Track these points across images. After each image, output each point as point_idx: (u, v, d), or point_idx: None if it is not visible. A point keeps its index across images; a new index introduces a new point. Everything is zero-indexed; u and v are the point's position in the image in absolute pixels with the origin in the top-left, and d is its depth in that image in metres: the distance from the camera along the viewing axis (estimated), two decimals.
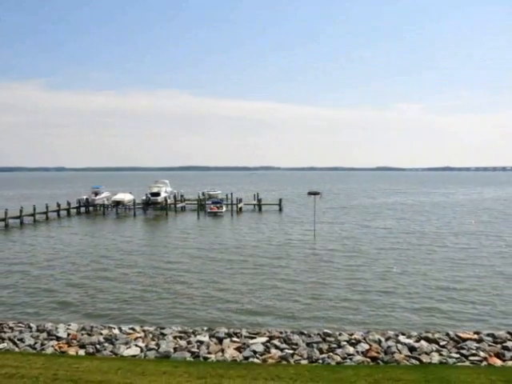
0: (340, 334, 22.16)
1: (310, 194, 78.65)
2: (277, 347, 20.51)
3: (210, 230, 69.58)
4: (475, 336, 21.86)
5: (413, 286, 35.74)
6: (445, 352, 20.02)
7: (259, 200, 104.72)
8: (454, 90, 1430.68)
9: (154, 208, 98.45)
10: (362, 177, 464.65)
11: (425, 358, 19.34)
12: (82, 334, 22.43)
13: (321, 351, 20.10)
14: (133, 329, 23.36)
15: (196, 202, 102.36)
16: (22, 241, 59.34)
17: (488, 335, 22.03)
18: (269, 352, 20.00)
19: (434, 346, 20.61)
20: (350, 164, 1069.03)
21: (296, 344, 20.83)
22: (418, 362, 19.07)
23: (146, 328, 23.52)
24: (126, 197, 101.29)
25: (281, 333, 22.37)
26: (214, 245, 54.98)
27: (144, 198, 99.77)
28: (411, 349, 20.35)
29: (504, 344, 20.69)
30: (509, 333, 22.35)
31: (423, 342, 21.00)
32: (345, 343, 20.89)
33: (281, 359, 19.26)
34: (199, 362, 19.10)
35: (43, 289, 35.43)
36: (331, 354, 19.74)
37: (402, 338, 21.62)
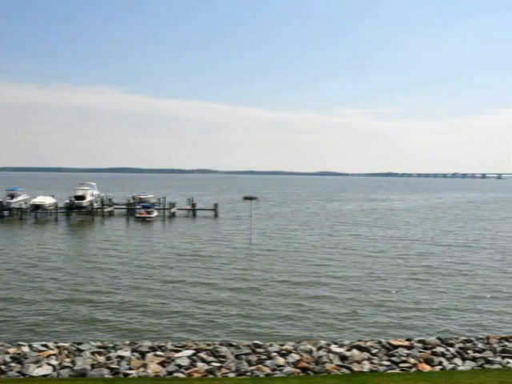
0: (270, 345, 22.73)
1: (245, 198, 79.79)
2: (203, 360, 20.70)
3: (136, 238, 69.61)
4: (406, 343, 22.93)
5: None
6: (376, 360, 20.91)
7: (193, 205, 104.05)
8: (391, 97, 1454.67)
9: (78, 212, 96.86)
10: (304, 181, 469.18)
11: (356, 367, 20.06)
12: None
13: (250, 363, 20.51)
14: (45, 345, 22.56)
15: (125, 207, 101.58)
16: None
17: (419, 342, 23.12)
18: (195, 366, 20.15)
19: (366, 355, 21.43)
20: (291, 168, 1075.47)
21: (224, 356, 21.11)
22: (349, 371, 19.84)
23: (60, 344, 22.91)
24: (46, 200, 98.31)
25: (208, 345, 22.68)
26: (131, 255, 55.27)
27: (67, 201, 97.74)
28: (343, 358, 21.06)
29: (433, 350, 21.85)
30: (439, 338, 23.56)
31: (355, 351, 21.77)
32: (275, 354, 21.35)
33: (207, 373, 19.47)
34: (118, 378, 18.95)
35: None
36: (260, 365, 20.18)
37: (333, 348, 22.30)
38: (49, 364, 20.23)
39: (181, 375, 19.40)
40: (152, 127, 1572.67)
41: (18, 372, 19.55)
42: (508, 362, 20.39)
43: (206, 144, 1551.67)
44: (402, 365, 20.31)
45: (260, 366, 20.25)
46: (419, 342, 23.18)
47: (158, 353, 21.61)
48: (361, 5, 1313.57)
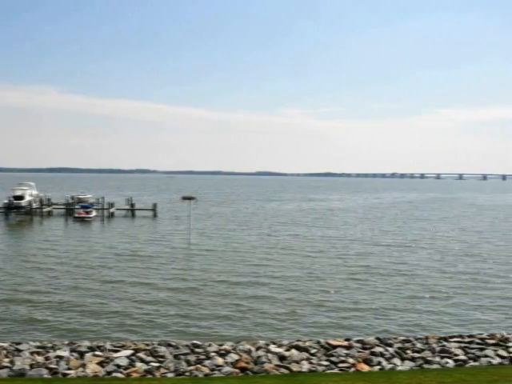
0: (209, 345, 22.79)
1: (184, 198, 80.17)
2: (142, 360, 20.72)
3: (75, 238, 68.97)
4: (345, 343, 23.21)
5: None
6: (315, 360, 21.11)
7: (132, 205, 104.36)
8: (334, 97, 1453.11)
9: (17, 213, 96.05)
10: (244, 181, 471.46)
11: (295, 367, 20.25)
12: None
13: (188, 363, 20.55)
14: None
15: (64, 207, 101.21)
16: None
17: (358, 342, 23.45)
18: (133, 366, 20.18)
19: (305, 355, 21.64)
20: (230, 168, 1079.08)
21: (163, 356, 21.12)
22: (287, 371, 20.00)
23: None
24: None
25: (147, 345, 22.68)
26: (70, 255, 54.60)
27: (6, 201, 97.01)
28: (281, 358, 21.23)
29: (372, 350, 22.19)
30: (377, 338, 23.94)
31: (294, 351, 21.96)
32: (214, 354, 21.46)
33: (146, 373, 19.49)
34: (57, 378, 18.94)
35: None
36: (199, 365, 20.24)
37: (272, 348, 22.46)
38: None
39: (120, 375, 19.40)
40: (91, 127, 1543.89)
41: None
42: (447, 362, 20.86)
43: (145, 144, 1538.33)
44: (340, 365, 20.56)
45: (199, 366, 20.32)
46: (358, 341, 23.50)
47: (97, 353, 21.55)
48: (301, 4, 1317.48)
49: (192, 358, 21.12)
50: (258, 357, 21.24)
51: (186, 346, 22.71)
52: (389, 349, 22.34)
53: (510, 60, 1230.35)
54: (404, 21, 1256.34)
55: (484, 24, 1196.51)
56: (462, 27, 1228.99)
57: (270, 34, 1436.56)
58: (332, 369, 20.26)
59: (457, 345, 22.95)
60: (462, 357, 21.50)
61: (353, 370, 20.20)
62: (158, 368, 19.96)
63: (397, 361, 21.03)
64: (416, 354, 21.67)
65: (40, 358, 20.97)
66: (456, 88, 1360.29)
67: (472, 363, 20.87)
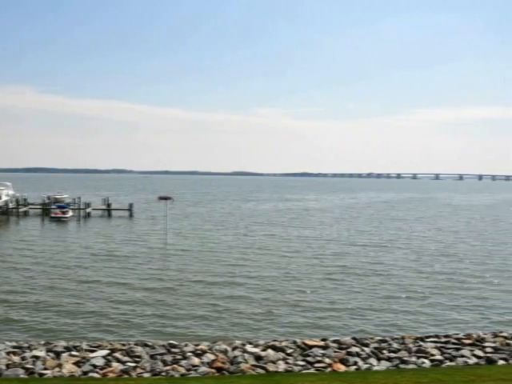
0: (186, 345, 22.82)
1: (160, 198, 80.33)
2: (119, 360, 20.70)
3: (51, 238, 68.79)
4: (322, 343, 23.34)
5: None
6: (291, 360, 21.20)
7: (109, 205, 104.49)
8: (311, 97, 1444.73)
9: None
10: (220, 181, 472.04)
11: (271, 367, 20.31)
12: None
13: (165, 363, 20.57)
14: None
15: (40, 207, 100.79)
16: None
17: (334, 342, 23.59)
18: (110, 366, 20.16)
19: (281, 355, 21.73)
20: (206, 168, 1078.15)
21: (139, 356, 21.13)
22: (264, 371, 20.06)
23: None
24: None
25: (123, 345, 22.65)
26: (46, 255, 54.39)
27: None
28: (258, 358, 21.30)
29: (348, 350, 22.33)
30: (354, 338, 24.09)
31: (270, 351, 22.04)
32: (190, 354, 21.51)
33: (122, 373, 19.46)
34: (33, 378, 18.90)
35: None
36: (175, 365, 20.27)
37: (248, 348, 22.55)
38: None
39: (96, 375, 19.36)
40: (68, 127, 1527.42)
41: None
42: (423, 362, 21.05)
43: (122, 144, 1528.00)
44: (317, 365, 20.65)
45: (175, 366, 20.32)
46: (334, 342, 23.64)
47: (73, 353, 21.52)
48: (278, 4, 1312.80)
49: (168, 358, 21.13)
50: (235, 357, 21.29)
51: (163, 346, 22.72)
52: (365, 349, 22.49)
53: (486, 60, 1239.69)
54: (380, 21, 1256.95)
55: (460, 24, 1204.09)
56: (438, 27, 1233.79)
57: (246, 34, 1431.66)
58: (308, 369, 20.34)
59: (433, 345, 23.17)
60: (439, 357, 21.70)
61: (329, 370, 20.30)
62: (134, 368, 19.92)
63: (373, 361, 21.19)
64: (392, 354, 21.86)
65: (16, 358, 20.93)
66: (432, 88, 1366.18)
67: (448, 363, 21.07)
